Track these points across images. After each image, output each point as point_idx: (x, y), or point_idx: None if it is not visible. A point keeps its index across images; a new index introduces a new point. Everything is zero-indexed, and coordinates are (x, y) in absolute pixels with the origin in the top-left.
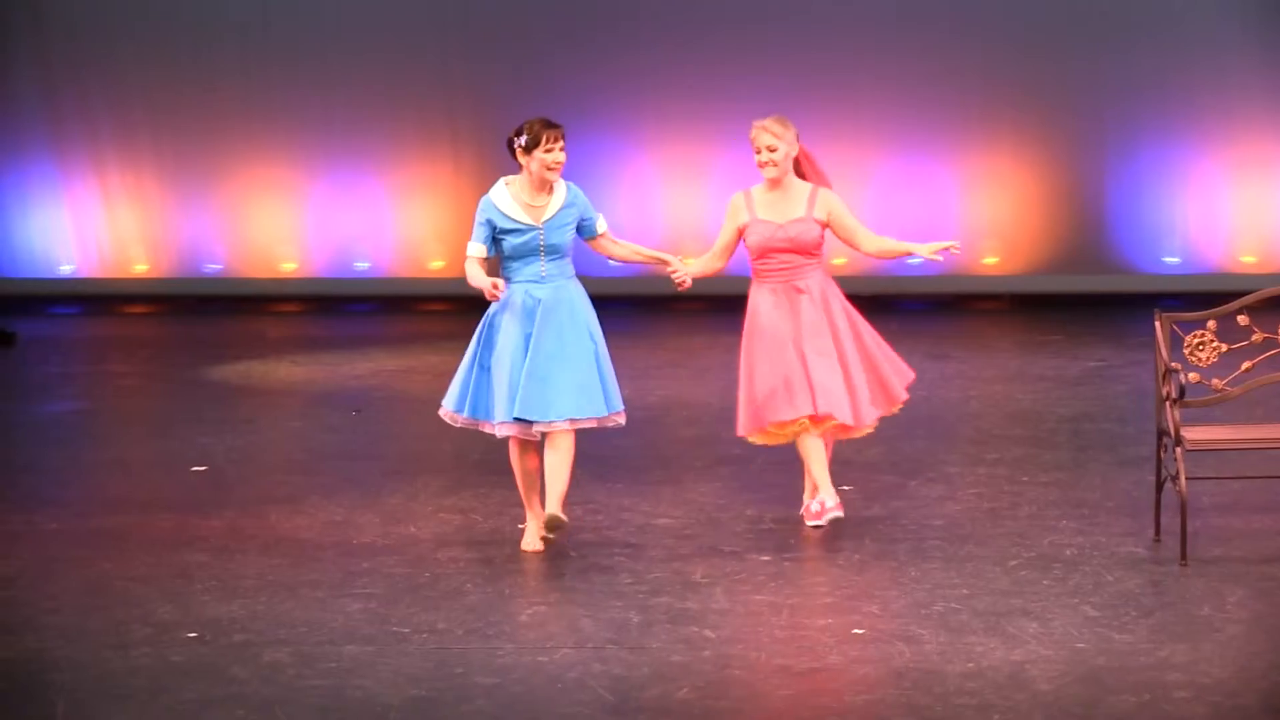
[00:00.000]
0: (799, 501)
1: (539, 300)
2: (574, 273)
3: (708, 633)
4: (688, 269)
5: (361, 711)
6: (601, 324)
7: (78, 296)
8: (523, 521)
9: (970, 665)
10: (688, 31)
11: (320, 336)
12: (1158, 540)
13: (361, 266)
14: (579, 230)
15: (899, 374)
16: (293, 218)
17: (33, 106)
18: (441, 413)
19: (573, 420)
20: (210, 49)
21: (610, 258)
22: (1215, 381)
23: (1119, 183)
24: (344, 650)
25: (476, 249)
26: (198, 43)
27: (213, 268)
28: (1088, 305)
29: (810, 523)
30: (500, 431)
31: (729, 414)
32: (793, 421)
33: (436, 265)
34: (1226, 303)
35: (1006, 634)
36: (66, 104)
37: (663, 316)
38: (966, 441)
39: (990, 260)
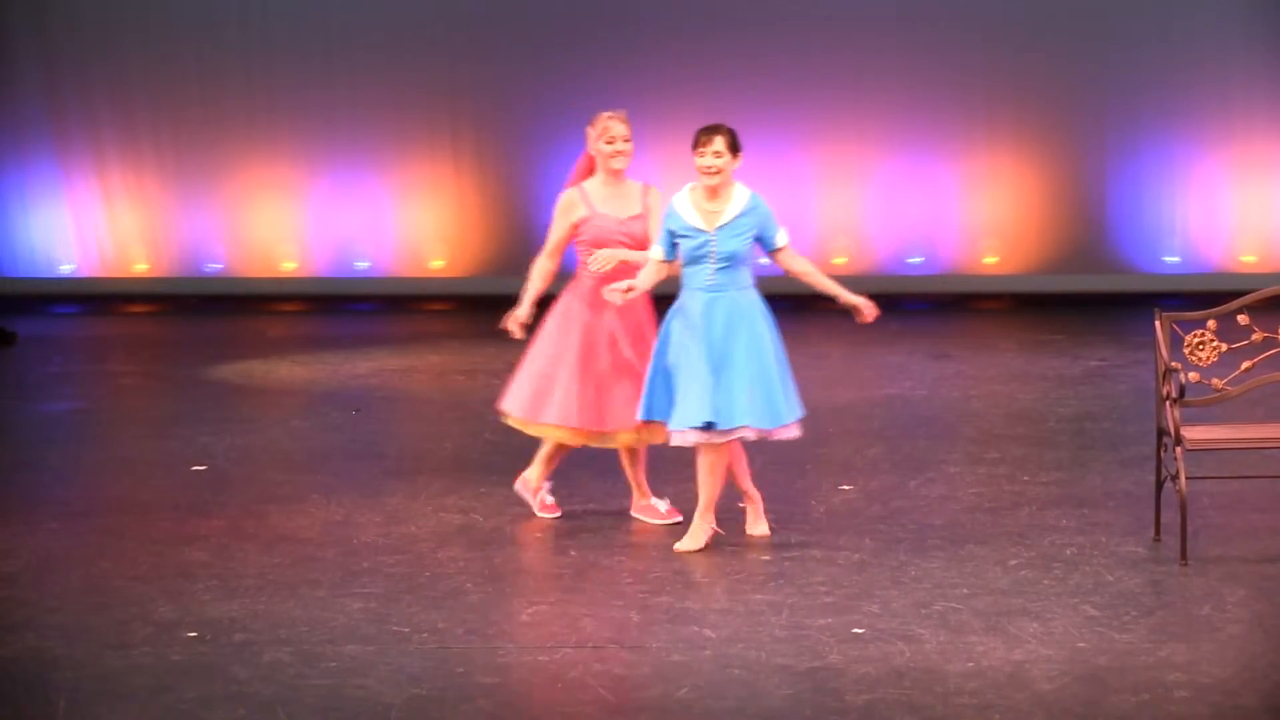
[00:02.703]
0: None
1: (709, 307)
2: (750, 283)
3: (708, 632)
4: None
5: (362, 711)
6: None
7: (78, 296)
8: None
9: (970, 665)
10: (689, 32)
11: (321, 336)
12: (1158, 540)
13: (362, 266)
14: (760, 243)
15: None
16: (293, 217)
17: (34, 106)
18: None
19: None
20: (212, 49)
21: (789, 273)
22: (1215, 381)
23: (1119, 183)
24: (344, 650)
25: (655, 251)
26: (199, 42)
27: (213, 267)
28: (1088, 305)
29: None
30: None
31: None
32: (558, 426)
33: (437, 265)
34: (1226, 303)
35: (1006, 634)
36: (68, 104)
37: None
38: (967, 441)
39: (990, 260)
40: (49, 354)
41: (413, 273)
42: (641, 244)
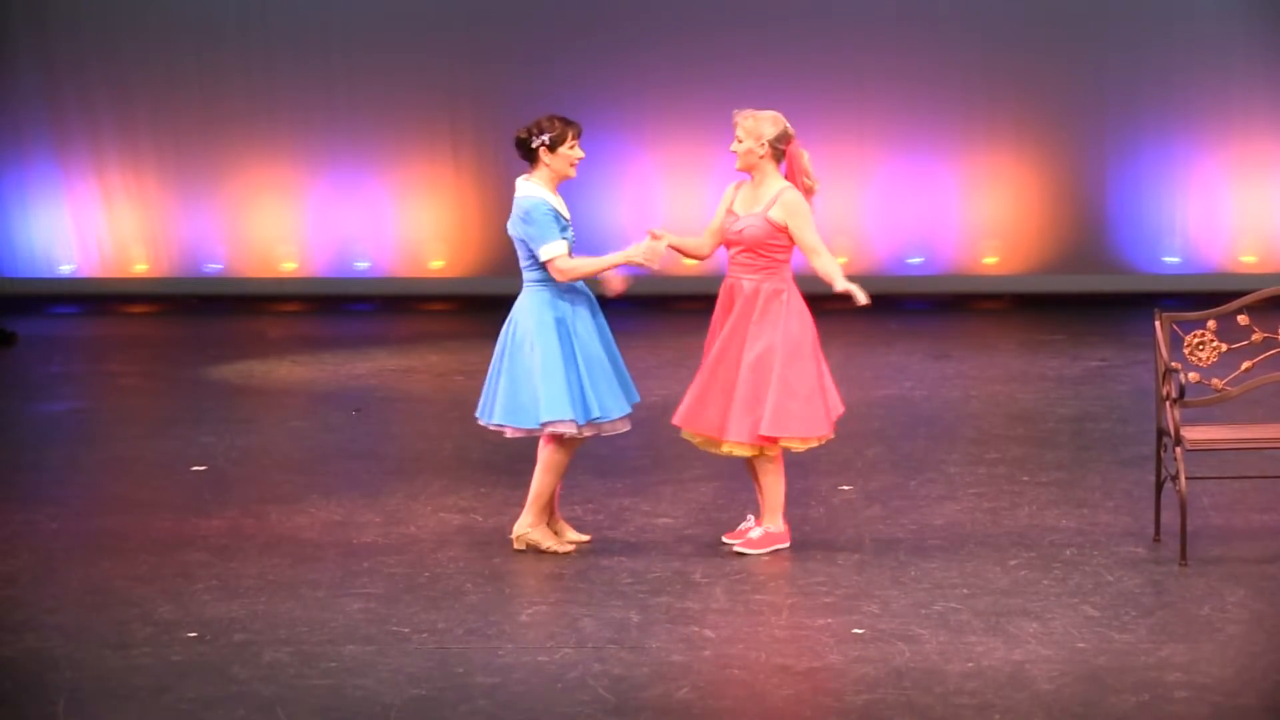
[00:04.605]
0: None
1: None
2: None
3: (708, 633)
4: (655, 245)
5: (362, 711)
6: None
7: (78, 296)
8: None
9: (970, 665)
10: (688, 31)
11: (320, 336)
12: (1158, 540)
13: (362, 266)
14: None
15: (808, 415)
16: (293, 217)
17: (34, 106)
18: (560, 428)
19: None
20: (211, 49)
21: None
22: (1215, 381)
23: (1119, 183)
24: (344, 650)
25: (563, 246)
26: (199, 43)
27: (213, 267)
28: (1088, 305)
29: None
30: (623, 427)
31: None
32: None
33: (437, 265)
34: (1226, 303)
35: (1006, 634)
36: (68, 104)
37: (663, 316)
38: (967, 441)
39: (990, 260)
40: (49, 354)
41: (413, 273)
42: (751, 245)
